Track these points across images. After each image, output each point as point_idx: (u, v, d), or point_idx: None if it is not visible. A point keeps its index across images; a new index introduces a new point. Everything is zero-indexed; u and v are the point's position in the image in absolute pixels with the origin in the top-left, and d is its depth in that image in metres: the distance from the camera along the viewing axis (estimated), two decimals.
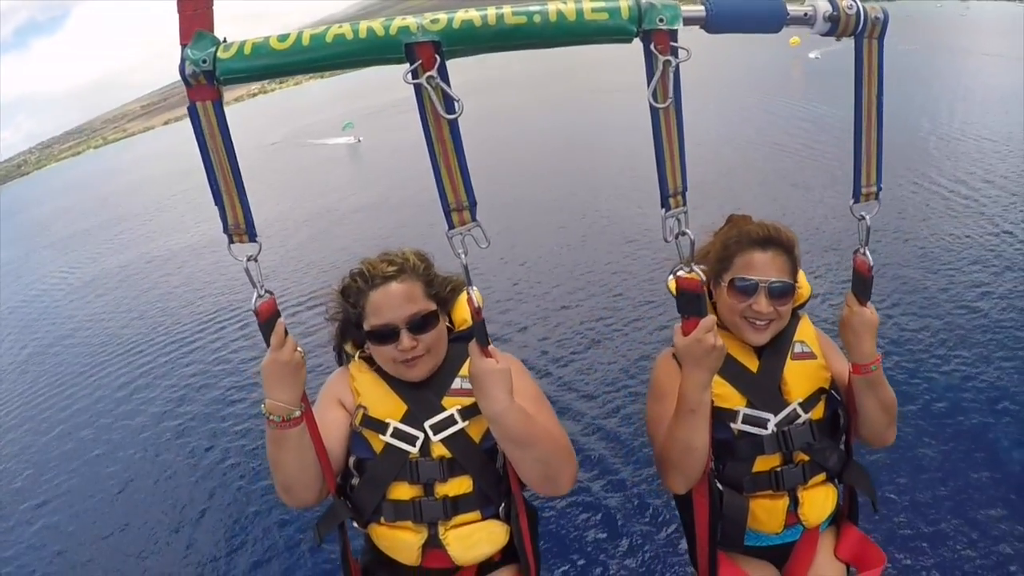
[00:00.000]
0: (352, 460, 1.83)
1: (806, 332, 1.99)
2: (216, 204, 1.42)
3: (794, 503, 1.90)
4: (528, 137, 20.14)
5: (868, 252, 1.62)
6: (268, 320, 1.54)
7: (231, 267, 12.75)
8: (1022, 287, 6.46)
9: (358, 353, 1.93)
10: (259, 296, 1.50)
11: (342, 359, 2.00)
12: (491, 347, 1.53)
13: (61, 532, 5.31)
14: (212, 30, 1.34)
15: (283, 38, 1.32)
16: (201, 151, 1.37)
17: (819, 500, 1.92)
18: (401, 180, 18.02)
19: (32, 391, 8.70)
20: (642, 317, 7.20)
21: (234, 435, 6.26)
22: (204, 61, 1.30)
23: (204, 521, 5.04)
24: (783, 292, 1.85)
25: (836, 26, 1.39)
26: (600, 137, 19.38)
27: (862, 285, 1.67)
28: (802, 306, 2.05)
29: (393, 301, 1.75)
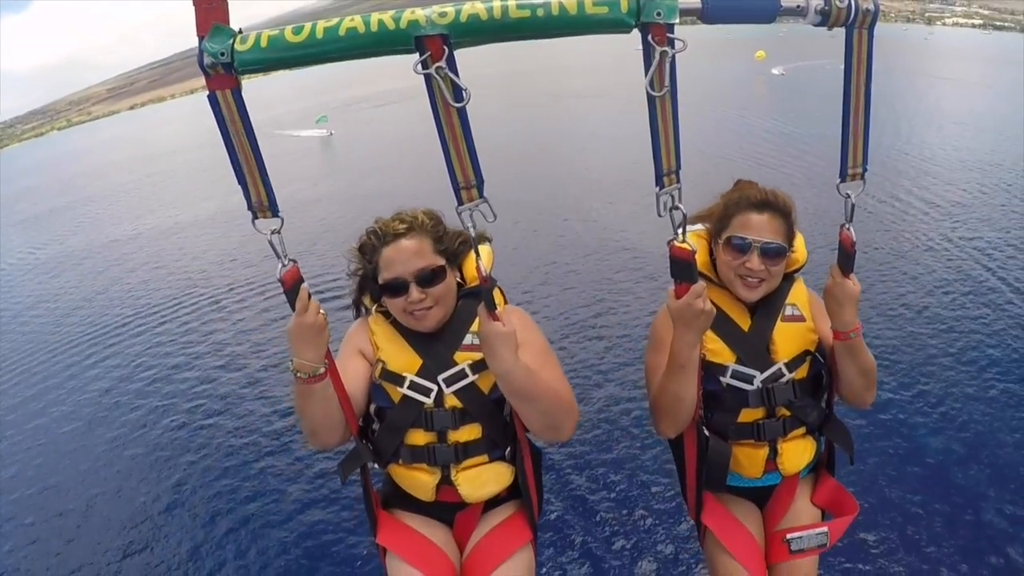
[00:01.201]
0: (373, 408, 2.01)
1: (798, 295, 2.11)
2: (239, 184, 1.51)
3: (773, 452, 2.05)
4: (498, 136, 20.39)
5: (852, 228, 1.73)
6: (293, 287, 1.65)
7: (197, 247, 12.83)
8: (941, 288, 7.01)
9: (375, 307, 2.05)
10: (283, 266, 1.61)
11: (360, 311, 2.12)
12: (499, 309, 1.63)
13: (30, 504, 5.29)
14: (228, 23, 1.40)
15: (298, 31, 1.39)
16: (223, 136, 1.45)
17: (797, 451, 2.07)
18: (367, 172, 18.42)
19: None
20: (639, 280, 7.86)
21: (222, 398, 6.43)
22: (223, 54, 1.37)
23: (197, 482, 5.13)
24: (776, 253, 1.96)
25: (827, 18, 1.44)
26: (563, 138, 19.94)
27: (846, 258, 1.78)
28: (798, 271, 2.16)
29: (403, 256, 1.88)
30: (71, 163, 49.77)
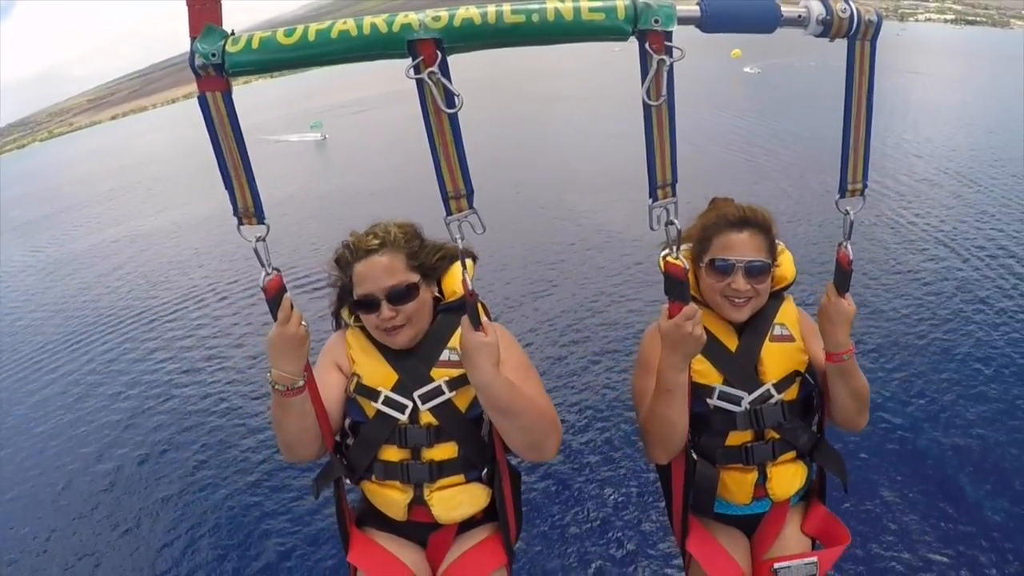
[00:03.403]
0: (348, 422, 1.97)
1: (788, 314, 2.05)
2: (226, 188, 1.49)
3: (763, 477, 1.98)
4: (491, 138, 20.44)
5: (850, 246, 1.68)
6: (275, 296, 1.63)
7: (198, 244, 12.96)
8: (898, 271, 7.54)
9: (353, 319, 2.02)
10: (267, 274, 1.58)
11: (339, 324, 2.09)
12: (482, 324, 1.60)
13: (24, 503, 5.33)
14: (221, 24, 1.39)
15: (289, 33, 1.37)
16: (211, 139, 1.43)
17: (787, 476, 2.00)
18: (365, 173, 18.52)
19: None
20: (625, 292, 7.73)
21: (221, 402, 6.47)
22: (214, 54, 1.35)
23: (194, 490, 5.12)
24: (760, 271, 1.92)
25: (829, 28, 1.41)
26: (561, 139, 19.89)
27: (842, 277, 1.73)
28: (786, 288, 2.10)
29: (374, 272, 1.85)
30: (58, 172, 49.45)
